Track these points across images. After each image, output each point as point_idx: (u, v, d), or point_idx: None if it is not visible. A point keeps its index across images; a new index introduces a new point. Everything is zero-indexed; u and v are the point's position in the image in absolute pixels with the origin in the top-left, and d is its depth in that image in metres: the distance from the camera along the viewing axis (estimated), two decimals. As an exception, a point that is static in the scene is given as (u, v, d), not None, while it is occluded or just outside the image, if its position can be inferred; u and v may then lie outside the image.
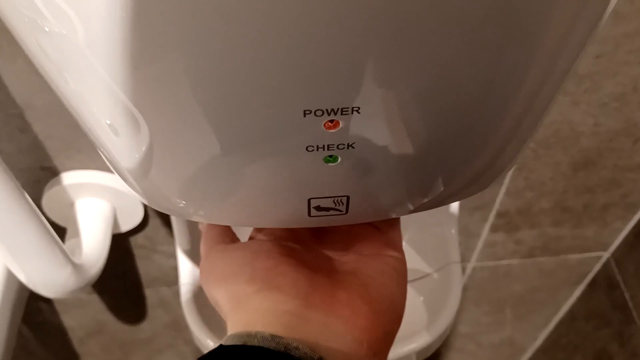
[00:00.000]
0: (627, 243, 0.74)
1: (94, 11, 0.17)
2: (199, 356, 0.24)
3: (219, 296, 0.28)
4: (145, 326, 0.80)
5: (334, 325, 0.25)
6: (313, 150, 0.22)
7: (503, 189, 0.65)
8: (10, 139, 0.48)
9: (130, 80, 0.19)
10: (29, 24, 0.19)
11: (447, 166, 0.25)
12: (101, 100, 0.21)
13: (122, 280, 0.70)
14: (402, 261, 0.30)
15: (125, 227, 0.58)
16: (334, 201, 0.26)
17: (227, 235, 0.31)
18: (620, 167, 0.63)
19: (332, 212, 0.26)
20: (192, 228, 0.53)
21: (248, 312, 0.25)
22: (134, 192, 0.28)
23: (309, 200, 0.25)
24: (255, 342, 0.23)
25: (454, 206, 0.56)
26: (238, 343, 0.24)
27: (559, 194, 0.66)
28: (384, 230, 0.31)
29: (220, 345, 0.24)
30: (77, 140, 0.49)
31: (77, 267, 0.45)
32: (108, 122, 0.22)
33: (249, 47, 0.18)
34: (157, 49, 0.18)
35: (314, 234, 0.32)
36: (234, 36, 0.17)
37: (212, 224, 0.32)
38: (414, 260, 0.57)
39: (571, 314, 0.88)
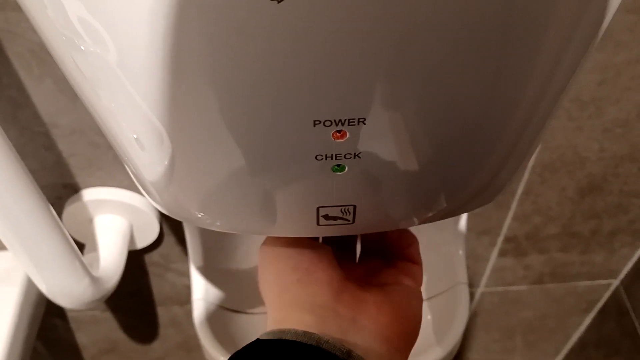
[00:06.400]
0: (636, 270, 0.74)
1: (125, 33, 0.19)
2: None
3: (268, 287, 0.31)
4: (156, 346, 0.80)
5: (360, 320, 0.28)
6: (322, 159, 0.23)
7: (510, 214, 0.66)
8: (35, 156, 0.50)
9: (157, 98, 0.21)
10: (66, 43, 0.21)
11: (451, 178, 0.27)
12: (129, 116, 0.23)
13: (136, 298, 0.71)
14: (418, 290, 0.33)
15: (140, 244, 0.59)
16: (341, 210, 0.27)
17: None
18: (626, 193, 0.64)
19: (339, 221, 0.28)
20: (206, 244, 0.54)
21: (287, 303, 0.29)
22: (153, 202, 0.30)
23: (317, 209, 0.27)
24: (289, 337, 0.26)
25: (461, 227, 0.57)
26: (273, 338, 0.26)
27: (566, 219, 0.67)
28: (407, 263, 0.34)
29: (257, 339, 0.27)
30: (99, 158, 0.51)
31: (94, 280, 0.47)
32: (135, 136, 0.24)
33: (267, 64, 0.19)
34: (180, 70, 0.20)
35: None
36: (251, 54, 0.19)
37: None
38: (421, 281, 0.58)
39: (581, 342, 0.88)
